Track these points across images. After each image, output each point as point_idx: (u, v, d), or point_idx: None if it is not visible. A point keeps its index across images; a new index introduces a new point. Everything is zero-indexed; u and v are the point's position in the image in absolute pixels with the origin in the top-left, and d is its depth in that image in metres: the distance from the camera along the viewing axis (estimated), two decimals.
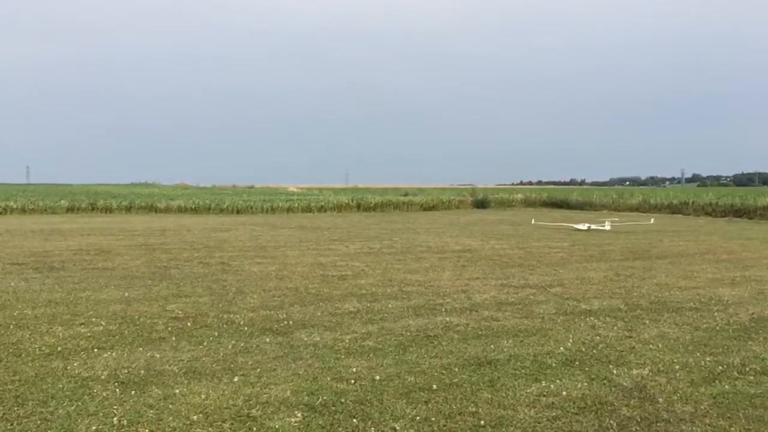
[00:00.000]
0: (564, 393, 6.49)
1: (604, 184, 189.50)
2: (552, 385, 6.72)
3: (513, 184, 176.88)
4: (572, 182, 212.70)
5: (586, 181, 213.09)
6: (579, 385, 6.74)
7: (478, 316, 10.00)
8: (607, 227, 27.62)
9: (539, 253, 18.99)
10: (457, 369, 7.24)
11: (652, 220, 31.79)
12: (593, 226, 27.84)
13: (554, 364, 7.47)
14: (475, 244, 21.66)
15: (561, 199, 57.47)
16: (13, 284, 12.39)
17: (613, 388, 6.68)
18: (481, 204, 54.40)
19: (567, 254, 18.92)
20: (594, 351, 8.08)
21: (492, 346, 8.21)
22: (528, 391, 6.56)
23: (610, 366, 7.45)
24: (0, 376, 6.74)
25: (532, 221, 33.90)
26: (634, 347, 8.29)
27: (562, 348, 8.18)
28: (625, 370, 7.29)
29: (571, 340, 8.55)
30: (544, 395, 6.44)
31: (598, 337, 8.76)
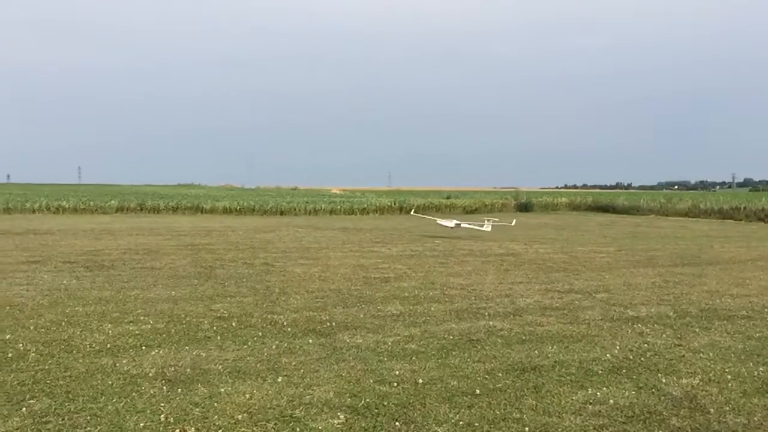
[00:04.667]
0: (611, 401, 6.37)
1: (651, 188, 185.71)
2: (598, 393, 6.59)
3: (557, 188, 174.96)
4: (618, 186, 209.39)
5: (633, 184, 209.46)
6: (627, 394, 6.60)
7: (522, 321, 9.89)
8: (487, 228, 25.38)
9: (584, 258, 18.69)
10: (500, 374, 7.16)
11: (514, 222, 30.05)
12: (464, 224, 25.76)
13: (601, 372, 7.33)
14: (518, 248, 21.43)
15: (606, 203, 56.51)
16: (65, 282, 12.73)
17: (662, 398, 6.52)
18: (524, 207, 53.90)
19: (613, 259, 18.58)
20: (642, 359, 7.90)
21: (536, 352, 8.10)
22: (573, 398, 6.45)
23: (659, 374, 7.27)
24: (52, 372, 6.92)
25: (412, 212, 34.80)
26: (683, 356, 8.08)
27: (608, 355, 8.02)
28: (675, 379, 7.10)
29: (618, 347, 8.38)
30: (591, 403, 6.32)
31: (646, 345, 8.56)
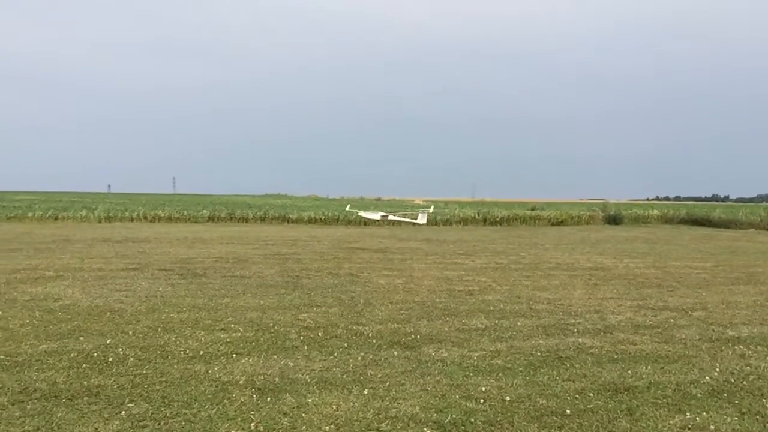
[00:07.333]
0: (712, 427, 6.04)
1: (750, 200, 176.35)
2: (698, 418, 6.27)
3: (648, 200, 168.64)
4: (714, 198, 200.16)
5: (731, 197, 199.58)
6: (728, 420, 6.25)
7: (613, 339, 9.55)
8: (422, 220, 24.36)
9: (678, 274, 17.89)
10: (591, 394, 6.93)
11: (432, 209, 28.48)
12: (392, 216, 24.89)
13: (699, 395, 6.98)
14: (607, 262, 20.75)
15: (701, 216, 53.89)
16: (161, 289, 13.28)
17: None
18: (613, 220, 52.10)
19: (710, 275, 17.69)
20: (744, 383, 7.46)
21: (629, 372, 7.80)
22: (671, 422, 6.16)
23: (764, 400, 6.85)
24: (149, 377, 7.22)
25: (347, 207, 36.21)
26: None
27: (707, 377, 7.62)
28: None
29: (717, 370, 7.95)
30: (689, 428, 6.02)
31: (748, 368, 8.09)
